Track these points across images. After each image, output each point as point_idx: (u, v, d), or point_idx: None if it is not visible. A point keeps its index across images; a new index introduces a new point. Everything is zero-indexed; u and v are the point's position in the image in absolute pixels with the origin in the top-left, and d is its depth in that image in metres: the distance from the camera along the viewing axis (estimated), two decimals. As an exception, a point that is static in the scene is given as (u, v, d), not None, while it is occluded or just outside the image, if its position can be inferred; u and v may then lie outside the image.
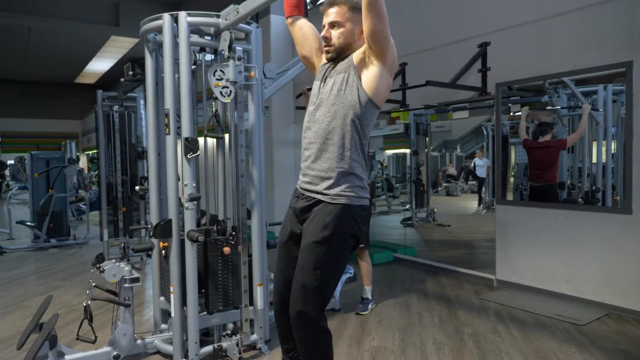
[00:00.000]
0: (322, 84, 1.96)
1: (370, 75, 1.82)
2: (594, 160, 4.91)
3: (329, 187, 1.84)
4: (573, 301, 3.67)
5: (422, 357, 2.78)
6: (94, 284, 2.70)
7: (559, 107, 4.83)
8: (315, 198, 1.88)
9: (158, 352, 2.88)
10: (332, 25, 1.91)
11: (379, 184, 9.86)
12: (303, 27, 2.09)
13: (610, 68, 3.56)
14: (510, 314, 3.49)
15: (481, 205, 9.85)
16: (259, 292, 2.89)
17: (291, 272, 1.90)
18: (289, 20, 2.10)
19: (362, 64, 1.84)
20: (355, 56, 1.87)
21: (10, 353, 2.94)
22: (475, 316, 3.47)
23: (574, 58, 3.69)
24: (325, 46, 1.93)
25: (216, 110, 2.84)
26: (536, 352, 2.81)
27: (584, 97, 4.66)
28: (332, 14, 1.90)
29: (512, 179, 8.33)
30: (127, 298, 2.75)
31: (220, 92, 2.58)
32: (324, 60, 2.04)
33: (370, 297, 3.63)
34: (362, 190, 1.88)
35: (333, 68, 1.95)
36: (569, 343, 2.95)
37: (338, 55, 1.92)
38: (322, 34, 1.93)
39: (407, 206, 8.96)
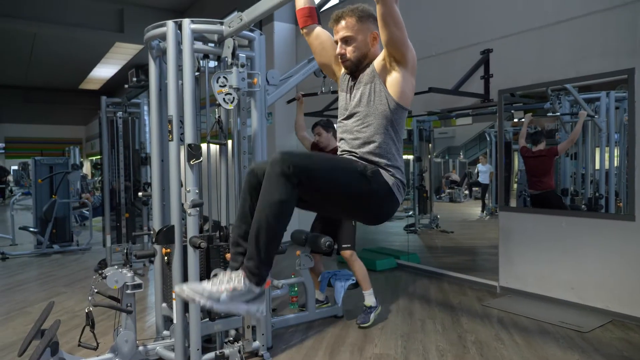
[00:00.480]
0: (349, 95, 1.98)
1: (394, 80, 1.85)
2: (597, 166, 4.91)
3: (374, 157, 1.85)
4: (576, 308, 3.65)
5: (424, 365, 2.77)
6: (96, 290, 2.70)
7: (559, 113, 4.84)
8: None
9: (160, 358, 2.87)
10: (345, 40, 1.92)
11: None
12: (320, 35, 2.09)
13: (613, 75, 3.56)
14: (514, 321, 3.48)
15: (484, 212, 9.82)
16: (261, 299, 2.89)
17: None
18: (304, 30, 2.10)
19: (384, 70, 1.86)
20: (377, 64, 1.89)
21: (12, 359, 2.93)
22: (478, 323, 3.45)
23: (577, 65, 3.70)
24: (342, 62, 1.95)
25: (219, 116, 2.86)
26: (540, 360, 2.80)
27: (586, 104, 4.66)
28: (342, 29, 1.91)
29: (515, 185, 8.32)
30: (129, 304, 2.75)
31: (224, 98, 2.59)
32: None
33: (373, 303, 3.47)
34: (401, 187, 1.88)
35: (356, 78, 1.96)
36: (572, 350, 2.93)
37: (357, 67, 1.93)
38: (337, 51, 1.94)
39: (410, 212, 8.95)
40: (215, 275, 1.75)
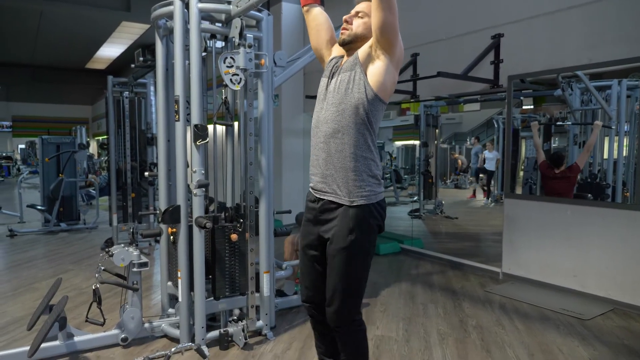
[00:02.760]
0: (329, 81, 1.97)
1: (376, 70, 1.82)
2: (605, 156, 4.87)
3: (345, 191, 1.85)
4: (578, 296, 3.66)
5: (425, 347, 2.80)
6: (103, 268, 2.74)
7: (572, 102, 4.79)
8: (333, 201, 1.89)
9: (165, 335, 2.92)
10: (358, 13, 1.93)
11: (387, 175, 9.85)
12: (318, 16, 2.08)
13: (626, 62, 3.51)
14: (515, 307, 3.50)
15: (489, 199, 9.81)
16: (265, 280, 2.92)
17: (313, 275, 2.01)
18: (305, 8, 2.09)
19: (368, 58, 1.84)
20: (362, 51, 1.87)
21: (21, 333, 2.99)
22: (479, 308, 3.48)
23: (589, 52, 3.64)
24: (343, 28, 1.94)
25: (226, 97, 2.85)
26: (539, 345, 2.82)
27: (597, 92, 4.61)
28: (362, 4, 1.93)
29: (521, 173, 8.28)
30: (135, 282, 2.79)
31: (230, 79, 2.58)
32: (333, 54, 2.05)
33: None
34: (377, 186, 1.90)
35: (340, 65, 1.95)
36: (572, 337, 2.95)
37: (351, 41, 1.92)
38: (345, 17, 1.95)
39: (415, 198, 8.94)
40: None
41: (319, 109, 1.96)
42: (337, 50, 2.04)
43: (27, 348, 2.48)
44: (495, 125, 9.74)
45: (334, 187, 1.87)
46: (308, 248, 2.01)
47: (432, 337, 2.95)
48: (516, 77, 4.18)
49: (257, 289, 2.92)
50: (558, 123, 6.25)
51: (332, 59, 2.03)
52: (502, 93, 4.60)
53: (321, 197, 1.93)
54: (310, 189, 2.01)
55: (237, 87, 2.62)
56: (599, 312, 3.36)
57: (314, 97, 6.33)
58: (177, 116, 2.71)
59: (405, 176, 11.93)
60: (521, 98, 6.71)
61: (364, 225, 1.85)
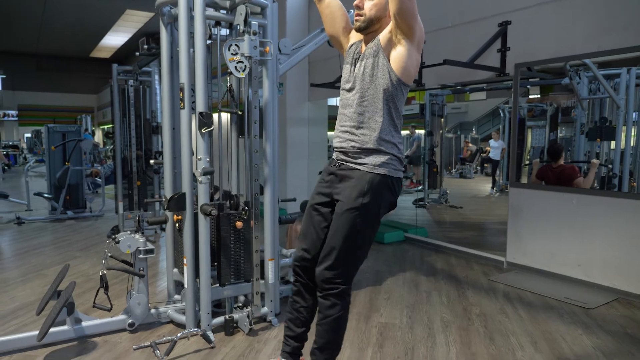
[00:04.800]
0: (353, 68, 1.97)
1: (399, 55, 1.82)
2: (613, 146, 4.84)
3: (368, 160, 1.87)
4: (583, 285, 3.67)
5: (429, 334, 2.82)
6: (109, 254, 2.77)
7: (579, 91, 4.74)
8: (352, 166, 1.90)
9: (171, 321, 2.95)
10: None
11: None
12: (331, 4, 2.07)
13: (636, 50, 3.46)
14: (519, 296, 3.51)
15: (495, 188, 9.79)
16: (270, 267, 2.94)
17: (314, 237, 1.97)
18: None
19: (390, 44, 1.84)
20: (383, 37, 1.87)
21: (30, 318, 3.04)
22: (483, 296, 3.49)
23: (598, 39, 3.60)
24: (357, 15, 1.92)
25: (230, 85, 2.85)
26: (543, 334, 2.83)
27: (605, 81, 4.56)
28: None
29: (527, 162, 8.24)
30: (141, 269, 2.82)
31: (235, 67, 2.58)
32: (352, 40, 2.04)
33: None
34: (399, 165, 1.93)
35: (362, 51, 1.94)
36: (576, 325, 2.96)
37: (367, 26, 1.90)
38: (356, 2, 1.92)
39: (420, 187, 8.93)
40: None
41: (344, 95, 1.98)
42: (355, 35, 2.03)
43: (37, 332, 2.52)
44: (502, 115, 9.69)
45: (357, 156, 1.90)
46: (315, 209, 2.00)
47: (435, 325, 2.97)
48: (523, 65, 4.14)
49: (262, 276, 2.94)
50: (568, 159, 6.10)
51: (351, 46, 2.02)
52: (508, 81, 4.56)
53: (342, 162, 1.95)
54: (333, 159, 2.02)
55: (242, 75, 2.61)
56: (603, 301, 3.36)
57: (319, 85, 6.28)
58: (182, 104, 2.71)
59: (410, 165, 11.89)
60: (528, 87, 6.66)
61: (377, 192, 1.86)
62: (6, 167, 8.98)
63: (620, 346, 2.67)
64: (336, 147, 2.00)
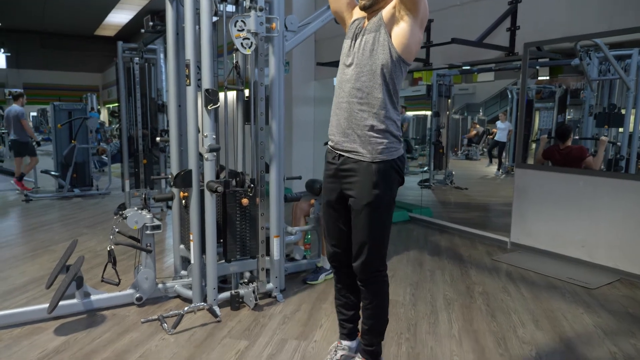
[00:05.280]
0: (353, 42, 1.95)
1: (401, 31, 1.80)
2: (621, 129, 4.80)
3: (367, 149, 1.88)
4: (586, 266, 3.68)
5: (432, 312, 2.86)
6: (117, 230, 2.81)
7: (589, 72, 4.68)
8: (355, 158, 1.91)
9: (178, 296, 3.01)
10: None
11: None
12: None
13: (649, 29, 3.40)
14: (522, 275, 3.53)
15: (500, 170, 9.75)
16: (275, 244, 2.97)
17: (337, 234, 2.06)
18: None
19: (392, 19, 1.81)
20: (385, 12, 1.84)
21: (40, 292, 3.10)
22: (486, 276, 3.52)
23: (610, 18, 3.53)
24: None
25: (237, 62, 2.84)
26: (544, 312, 2.86)
27: (616, 61, 4.50)
28: None
29: (534, 145, 8.18)
30: (148, 244, 2.86)
31: (241, 43, 2.57)
32: (355, 16, 2.02)
33: (327, 267, 3.40)
34: (398, 144, 1.93)
35: (364, 26, 1.92)
36: (577, 304, 2.99)
37: (372, 4, 1.87)
38: None
39: (425, 168, 8.92)
40: (331, 350, 2.24)
41: (343, 70, 1.96)
42: (359, 12, 2.01)
43: (47, 305, 2.57)
44: (509, 96, 9.58)
45: (355, 145, 1.89)
46: (330, 206, 2.05)
47: (438, 302, 3.00)
48: (533, 44, 4.09)
49: (267, 252, 2.98)
50: (576, 136, 6.04)
51: (354, 21, 2.00)
52: (517, 62, 4.50)
53: (342, 153, 1.95)
54: (330, 147, 2.02)
55: (248, 52, 2.60)
56: (606, 281, 3.39)
57: (325, 64, 6.21)
58: (188, 81, 2.71)
59: (416, 147, 11.85)
60: (537, 67, 6.57)
61: (387, 179, 1.89)
62: (98, 168, 8.99)
63: (621, 325, 2.69)
64: (333, 139, 1.98)
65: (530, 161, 5.51)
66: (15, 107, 7.17)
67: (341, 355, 2.16)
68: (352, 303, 2.15)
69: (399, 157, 1.93)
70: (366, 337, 2.07)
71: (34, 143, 7.31)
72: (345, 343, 2.20)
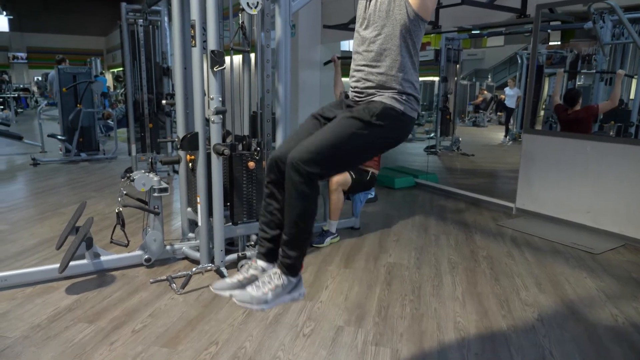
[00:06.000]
0: (368, 3, 1.89)
1: None
2: (632, 95, 4.71)
3: (385, 92, 1.79)
4: (591, 232, 3.70)
5: (436, 274, 2.89)
6: (125, 192, 2.83)
7: (602, 36, 4.56)
8: (367, 99, 1.82)
9: (186, 257, 3.06)
10: None
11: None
12: None
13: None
14: (526, 241, 3.55)
15: (507, 137, 9.67)
16: (281, 207, 2.99)
17: (303, 136, 1.81)
18: None
19: None
20: None
21: (51, 253, 3.16)
22: (491, 240, 3.54)
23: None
24: None
25: (242, 22, 2.78)
26: (547, 276, 2.89)
27: (630, 25, 4.37)
28: None
29: (542, 112, 8.06)
30: (156, 206, 2.89)
31: (247, 3, 2.51)
32: None
33: (333, 230, 3.47)
34: (415, 104, 1.85)
35: None
36: (580, 269, 3.01)
37: None
38: None
39: (432, 134, 8.85)
40: (243, 266, 1.91)
41: (359, 33, 1.91)
42: None
43: (58, 265, 2.63)
44: (519, 61, 9.39)
45: (375, 90, 1.81)
46: (314, 117, 1.90)
47: (442, 266, 3.04)
48: (545, 6, 3.97)
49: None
50: (583, 71, 5.99)
51: None
52: (529, 24, 4.39)
53: (359, 96, 1.86)
54: (345, 95, 1.95)
55: (254, 12, 2.54)
56: (610, 247, 3.40)
57: (332, 27, 6.09)
58: (193, 42, 2.67)
59: (423, 113, 11.73)
60: (549, 31, 6.40)
61: (389, 121, 1.78)
62: (104, 133, 8.91)
63: (624, 289, 2.72)
64: (351, 87, 1.95)
65: (539, 127, 5.45)
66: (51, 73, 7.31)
67: (251, 275, 1.88)
68: (278, 222, 1.89)
69: (411, 117, 1.87)
70: (285, 248, 1.83)
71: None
72: (260, 263, 1.92)
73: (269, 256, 1.92)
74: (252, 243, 3.07)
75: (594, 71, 5.00)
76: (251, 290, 1.74)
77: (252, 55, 2.95)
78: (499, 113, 10.70)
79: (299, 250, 1.80)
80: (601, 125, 4.86)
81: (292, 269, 1.80)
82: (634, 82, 4.83)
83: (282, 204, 1.82)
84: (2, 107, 14.36)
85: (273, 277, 1.76)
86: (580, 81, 7.02)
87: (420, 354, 2.06)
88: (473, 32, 6.78)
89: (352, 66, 1.93)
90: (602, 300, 2.58)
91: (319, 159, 1.69)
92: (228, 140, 3.01)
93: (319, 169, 1.68)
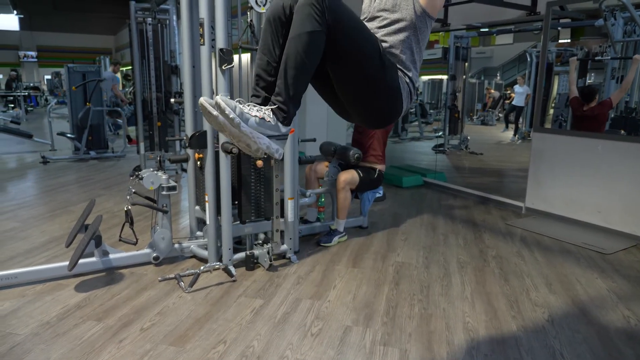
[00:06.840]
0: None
1: None
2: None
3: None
4: (602, 231, 3.65)
5: (444, 274, 2.88)
6: (133, 191, 2.84)
7: (613, 33, 4.51)
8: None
9: (194, 256, 3.06)
10: None
11: (412, 110, 9.68)
12: None
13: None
14: (536, 240, 3.52)
15: (516, 136, 9.60)
16: (289, 205, 2.99)
17: None
18: None
19: None
20: None
21: (60, 250, 3.18)
22: (500, 240, 3.52)
23: (638, -26, 3.37)
24: None
25: (251, 20, 2.78)
26: (558, 276, 2.86)
27: (642, 21, 4.31)
28: None
29: (552, 110, 7.99)
30: (164, 205, 2.89)
31: (256, 0, 2.50)
32: None
33: (341, 229, 3.45)
34: (407, 97, 1.74)
35: None
36: (591, 269, 2.98)
37: None
38: None
39: (440, 133, 8.81)
40: (239, 101, 1.69)
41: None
42: None
43: (67, 263, 2.64)
44: (529, 59, 9.33)
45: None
46: None
47: (451, 265, 3.02)
48: (556, 3, 3.93)
49: (282, 214, 3.00)
50: (597, 58, 5.93)
51: None
52: (539, 22, 4.36)
53: None
54: None
55: (263, 10, 2.54)
56: (621, 247, 3.36)
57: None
58: (202, 40, 2.66)
59: (431, 111, 11.65)
60: (559, 29, 6.34)
61: (391, 67, 1.69)
62: (113, 131, 8.95)
63: (636, 290, 2.69)
64: None
65: (548, 125, 5.40)
66: (109, 73, 8.13)
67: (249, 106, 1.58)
68: (276, 66, 1.66)
69: (408, 88, 1.74)
70: (279, 82, 1.63)
71: (128, 104, 8.28)
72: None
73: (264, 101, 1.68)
74: (260, 242, 3.07)
75: (609, 57, 4.93)
76: (240, 105, 1.53)
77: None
78: (509, 117, 10.61)
79: (293, 91, 1.60)
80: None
81: (283, 112, 1.58)
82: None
83: (283, 47, 1.62)
84: (12, 105, 14.47)
85: (263, 110, 1.56)
86: (590, 79, 6.95)
87: (428, 354, 2.04)
88: (482, 29, 6.74)
89: None
90: (613, 301, 2.55)
91: (341, 11, 1.53)
92: (236, 138, 3.01)
93: (337, 13, 1.52)
